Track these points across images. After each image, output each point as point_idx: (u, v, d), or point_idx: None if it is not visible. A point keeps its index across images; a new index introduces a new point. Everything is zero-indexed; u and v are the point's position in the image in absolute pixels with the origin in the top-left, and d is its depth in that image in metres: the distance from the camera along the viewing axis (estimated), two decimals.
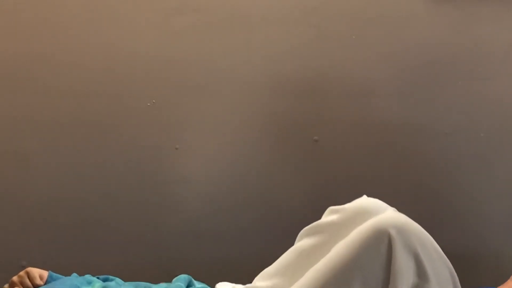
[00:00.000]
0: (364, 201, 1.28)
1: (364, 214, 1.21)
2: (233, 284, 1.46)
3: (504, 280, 1.49)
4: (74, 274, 1.52)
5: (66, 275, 1.54)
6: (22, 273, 1.43)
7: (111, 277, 1.54)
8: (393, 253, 1.12)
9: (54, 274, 1.45)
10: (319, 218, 1.41)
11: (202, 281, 1.58)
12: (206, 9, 1.89)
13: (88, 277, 1.51)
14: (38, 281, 1.42)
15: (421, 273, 1.15)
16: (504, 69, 1.95)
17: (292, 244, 1.41)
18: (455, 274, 1.26)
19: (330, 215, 1.33)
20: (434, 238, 1.40)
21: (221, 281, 1.52)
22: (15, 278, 1.43)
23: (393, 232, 1.13)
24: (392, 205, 1.41)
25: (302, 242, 1.35)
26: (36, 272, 1.44)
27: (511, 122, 1.96)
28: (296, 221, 1.86)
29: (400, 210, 1.54)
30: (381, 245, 1.12)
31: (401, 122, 1.94)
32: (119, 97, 1.88)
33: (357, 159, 1.94)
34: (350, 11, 1.92)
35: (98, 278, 1.52)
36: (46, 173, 1.87)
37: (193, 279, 1.54)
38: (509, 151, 1.96)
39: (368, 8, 1.92)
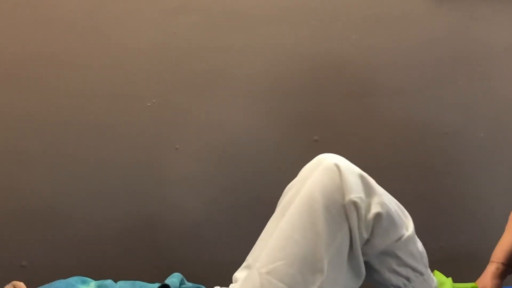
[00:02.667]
0: (320, 156, 1.34)
1: (319, 163, 1.29)
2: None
3: (507, 278, 1.49)
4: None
5: (66, 276, 1.54)
6: (8, 286, 1.42)
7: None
8: (342, 175, 1.21)
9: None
10: None
11: (202, 282, 1.58)
12: (206, 9, 1.89)
13: (81, 277, 1.50)
14: None
15: (369, 187, 1.24)
16: (504, 69, 1.95)
17: None
18: (405, 210, 1.34)
19: (298, 176, 1.37)
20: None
21: (220, 282, 1.52)
22: None
23: (339, 162, 1.25)
24: None
25: (277, 209, 1.39)
26: (23, 286, 1.42)
27: (511, 122, 1.96)
28: None
29: None
30: (332, 172, 1.23)
31: (401, 122, 1.94)
32: (119, 97, 1.88)
33: (357, 159, 1.94)
34: (350, 11, 1.92)
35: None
36: (46, 173, 1.87)
37: (184, 279, 1.54)
38: (509, 151, 1.96)
39: (368, 8, 1.92)
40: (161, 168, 1.90)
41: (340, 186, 1.21)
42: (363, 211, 1.21)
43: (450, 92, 1.94)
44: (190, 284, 1.53)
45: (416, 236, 1.32)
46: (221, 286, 1.45)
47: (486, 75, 1.95)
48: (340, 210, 1.21)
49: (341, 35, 1.92)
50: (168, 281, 1.48)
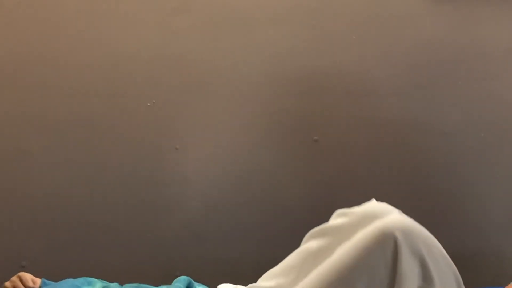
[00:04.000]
0: (373, 205, 1.27)
1: (372, 218, 1.19)
2: (234, 285, 1.45)
3: (505, 279, 1.49)
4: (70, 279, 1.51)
5: (66, 276, 1.54)
6: (14, 277, 1.42)
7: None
8: (399, 256, 1.11)
9: (47, 281, 1.44)
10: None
11: (202, 282, 1.58)
12: (206, 9, 1.89)
13: (87, 278, 1.50)
14: (31, 284, 1.41)
15: (426, 277, 1.14)
16: (504, 69, 1.95)
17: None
18: (459, 277, 1.25)
19: (338, 218, 1.31)
20: (434, 237, 1.40)
21: (221, 281, 1.51)
22: (7, 283, 1.42)
23: (399, 235, 1.12)
24: (392, 205, 1.41)
25: (308, 244, 1.32)
26: (28, 276, 1.43)
27: (511, 121, 1.96)
28: (296, 221, 1.87)
29: (400, 209, 1.53)
30: (386, 247, 1.12)
31: (401, 122, 1.94)
32: (119, 97, 1.88)
33: (357, 159, 1.94)
34: (350, 11, 1.92)
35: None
36: (46, 173, 1.87)
37: (192, 281, 1.54)
38: (509, 151, 1.96)
39: (368, 8, 1.92)
40: (161, 168, 1.90)
41: (393, 272, 1.11)
42: None
43: (450, 92, 1.94)
44: (200, 287, 1.52)
45: None
46: (223, 283, 1.46)
47: (486, 75, 1.95)
48: None
49: (341, 35, 1.92)
50: (173, 285, 1.47)
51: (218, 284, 1.47)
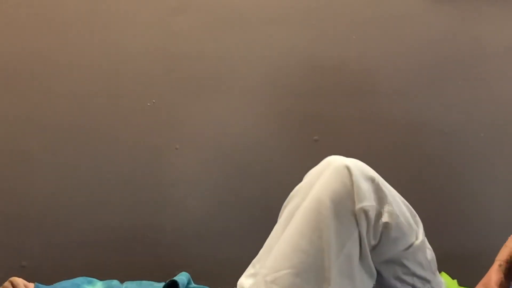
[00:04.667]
0: (329, 157, 1.31)
1: (327, 165, 1.26)
2: None
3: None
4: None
5: (66, 276, 1.54)
6: (6, 283, 1.41)
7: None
8: (354, 180, 1.17)
9: (41, 285, 1.44)
10: None
11: (203, 282, 1.58)
12: (206, 9, 1.89)
13: (87, 277, 1.50)
14: None
15: (380, 195, 1.20)
16: (504, 69, 1.95)
17: None
18: (417, 216, 1.30)
19: (304, 180, 1.34)
20: (433, 237, 1.40)
21: (221, 282, 1.52)
22: None
23: (350, 164, 1.21)
24: None
25: (283, 214, 1.34)
26: (20, 281, 1.42)
27: (511, 121, 1.96)
28: None
29: None
30: (343, 176, 1.19)
31: (401, 121, 1.94)
32: (119, 97, 1.88)
33: (357, 159, 1.94)
34: (350, 11, 1.92)
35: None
36: (46, 173, 1.87)
37: (191, 279, 1.54)
38: (509, 151, 1.96)
39: (368, 8, 1.92)
40: (161, 168, 1.90)
41: (351, 193, 1.17)
42: (373, 219, 1.18)
43: (450, 92, 1.94)
44: (196, 285, 1.53)
45: (426, 243, 1.28)
46: (223, 286, 1.45)
47: (486, 75, 1.95)
48: (350, 217, 1.17)
49: (341, 35, 1.92)
50: (176, 278, 1.47)
51: (217, 285, 1.47)
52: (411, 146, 1.95)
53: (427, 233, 1.35)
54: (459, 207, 1.96)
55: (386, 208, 1.20)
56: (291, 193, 1.35)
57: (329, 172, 1.21)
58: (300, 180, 1.91)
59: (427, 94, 1.94)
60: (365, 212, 1.17)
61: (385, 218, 1.19)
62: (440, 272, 1.42)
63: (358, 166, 1.21)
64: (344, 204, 1.17)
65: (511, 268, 1.43)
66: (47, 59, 1.86)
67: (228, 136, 1.92)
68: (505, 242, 1.49)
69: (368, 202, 1.17)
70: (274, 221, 1.91)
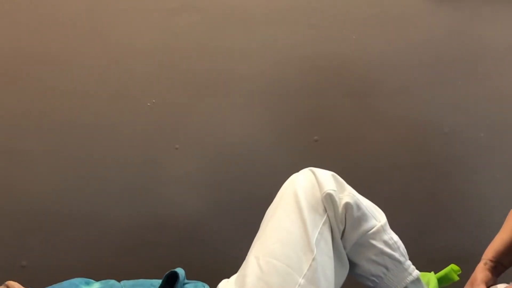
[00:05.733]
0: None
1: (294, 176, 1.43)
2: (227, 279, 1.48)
3: (504, 279, 1.49)
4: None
5: (66, 276, 1.54)
6: (2, 286, 1.42)
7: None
8: (316, 175, 1.35)
9: None
10: None
11: (203, 280, 1.58)
12: (206, 9, 1.89)
13: (84, 278, 1.50)
14: None
15: (339, 183, 1.35)
16: (504, 69, 1.95)
17: None
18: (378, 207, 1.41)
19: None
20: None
21: (221, 282, 1.52)
22: None
23: (311, 168, 1.39)
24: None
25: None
26: (16, 285, 1.42)
27: (511, 121, 1.96)
28: None
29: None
30: (308, 176, 1.36)
31: (401, 121, 1.94)
32: (119, 97, 1.88)
33: (357, 159, 1.94)
34: (350, 11, 1.92)
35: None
36: (46, 173, 1.87)
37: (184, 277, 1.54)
38: (509, 151, 1.96)
39: (368, 8, 1.92)
40: (161, 168, 1.90)
41: (316, 184, 1.34)
42: (337, 203, 1.32)
43: (450, 92, 1.94)
44: (190, 281, 1.53)
45: (389, 229, 1.37)
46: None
47: (486, 75, 1.95)
48: (319, 203, 1.32)
49: (341, 35, 1.92)
50: (176, 269, 1.48)
51: (216, 284, 1.47)
52: (411, 146, 1.95)
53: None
54: (459, 207, 1.96)
55: (346, 192, 1.34)
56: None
57: (297, 176, 1.40)
58: None
59: (427, 94, 1.94)
60: (330, 195, 1.31)
61: (346, 199, 1.32)
62: (433, 271, 1.42)
63: (319, 169, 1.38)
64: (313, 194, 1.33)
65: (497, 265, 1.45)
66: (47, 58, 1.86)
67: (228, 136, 1.92)
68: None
69: (330, 187, 1.32)
70: None
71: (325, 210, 1.32)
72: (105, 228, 1.88)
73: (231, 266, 1.88)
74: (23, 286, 1.43)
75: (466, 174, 1.95)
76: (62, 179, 1.87)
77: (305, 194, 1.34)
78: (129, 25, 1.88)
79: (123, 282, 1.51)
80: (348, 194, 1.34)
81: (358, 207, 1.33)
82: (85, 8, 1.86)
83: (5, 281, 1.44)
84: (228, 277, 1.46)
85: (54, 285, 1.43)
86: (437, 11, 1.92)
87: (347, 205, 1.32)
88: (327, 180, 1.35)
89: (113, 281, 1.52)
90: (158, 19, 1.88)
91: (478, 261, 1.50)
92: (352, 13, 1.92)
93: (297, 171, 1.42)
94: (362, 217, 1.33)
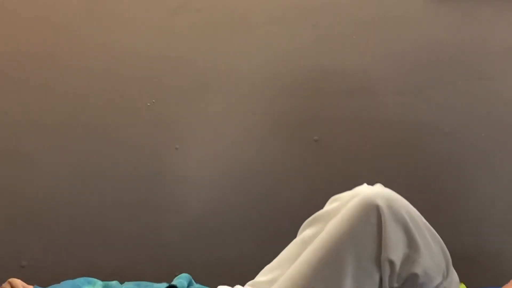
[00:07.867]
0: (361, 186, 1.27)
1: (356, 195, 1.20)
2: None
3: (505, 279, 1.49)
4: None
5: (66, 276, 1.54)
6: (4, 284, 1.42)
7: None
8: (383, 224, 1.11)
9: None
10: None
11: (203, 282, 1.58)
12: (206, 9, 1.89)
13: (87, 278, 1.50)
14: None
15: (411, 244, 1.14)
16: (504, 69, 1.95)
17: None
18: (446, 249, 1.25)
19: (330, 204, 1.32)
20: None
21: (221, 282, 1.51)
22: None
23: (380, 202, 1.13)
24: None
25: (303, 233, 1.32)
26: (19, 282, 1.42)
27: (511, 121, 1.96)
28: (296, 221, 1.86)
29: None
30: (370, 216, 1.12)
31: (401, 122, 1.94)
32: (119, 97, 1.88)
33: (357, 159, 1.94)
34: (350, 11, 1.92)
35: None
36: (46, 173, 1.87)
37: (193, 280, 1.54)
38: (509, 151, 1.96)
39: (368, 8, 1.92)
40: (161, 168, 1.90)
41: (379, 239, 1.11)
42: (398, 269, 1.12)
43: (450, 92, 1.94)
44: (198, 285, 1.53)
45: (452, 274, 1.22)
46: (223, 285, 1.46)
47: (486, 75, 1.94)
48: (373, 262, 1.12)
49: (341, 35, 1.92)
50: (175, 281, 1.48)
51: (218, 285, 1.47)
52: (411, 146, 1.95)
53: None
54: (459, 207, 1.95)
55: (416, 257, 1.14)
56: (316, 215, 1.32)
57: (355, 205, 1.15)
58: (301, 180, 1.93)
59: (427, 94, 1.94)
60: (391, 262, 1.11)
61: (413, 269, 1.13)
62: None
63: (390, 205, 1.13)
64: (368, 249, 1.11)
65: None
66: (47, 59, 1.86)
67: (228, 136, 1.92)
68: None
69: (397, 255, 1.10)
70: (274, 222, 1.92)
71: (379, 272, 1.12)
72: (105, 228, 1.88)
73: (231, 266, 1.88)
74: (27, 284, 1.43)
75: (466, 174, 1.95)
76: (62, 179, 1.87)
77: (356, 248, 1.11)
78: (129, 25, 1.88)
79: (125, 284, 1.51)
80: (417, 261, 1.12)
81: (426, 274, 1.14)
82: (85, 8, 1.86)
83: (5, 281, 1.45)
84: (228, 278, 1.45)
85: (54, 285, 1.43)
86: (437, 11, 1.92)
87: (414, 275, 1.13)
88: (396, 240, 1.10)
89: (115, 282, 1.52)
90: (158, 19, 1.88)
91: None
92: (352, 13, 1.92)
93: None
94: (426, 282, 1.16)
